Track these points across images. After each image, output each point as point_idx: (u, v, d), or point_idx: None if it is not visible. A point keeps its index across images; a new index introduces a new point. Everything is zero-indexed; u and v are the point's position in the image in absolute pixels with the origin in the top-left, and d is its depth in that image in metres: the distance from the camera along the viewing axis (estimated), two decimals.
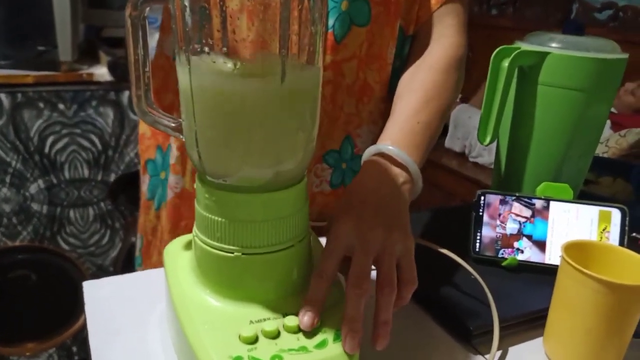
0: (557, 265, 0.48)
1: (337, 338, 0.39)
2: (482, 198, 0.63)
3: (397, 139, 0.55)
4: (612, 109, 2.01)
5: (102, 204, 1.63)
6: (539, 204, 0.62)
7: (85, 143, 1.55)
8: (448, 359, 0.49)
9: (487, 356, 0.48)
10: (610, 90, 0.66)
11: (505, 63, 0.64)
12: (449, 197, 2.19)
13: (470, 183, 2.08)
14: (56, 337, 1.64)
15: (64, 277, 1.62)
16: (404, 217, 0.48)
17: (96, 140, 1.56)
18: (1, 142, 1.45)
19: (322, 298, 0.40)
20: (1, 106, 1.43)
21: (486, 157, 2.19)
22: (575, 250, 0.48)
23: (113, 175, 1.61)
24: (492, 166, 0.77)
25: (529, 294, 0.56)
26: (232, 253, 0.40)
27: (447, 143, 2.35)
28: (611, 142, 1.67)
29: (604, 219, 0.60)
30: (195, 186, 0.42)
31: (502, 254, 0.61)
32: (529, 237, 0.61)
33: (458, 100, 2.40)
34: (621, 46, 0.65)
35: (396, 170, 0.52)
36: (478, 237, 0.62)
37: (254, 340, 0.38)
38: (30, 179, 1.52)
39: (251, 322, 0.40)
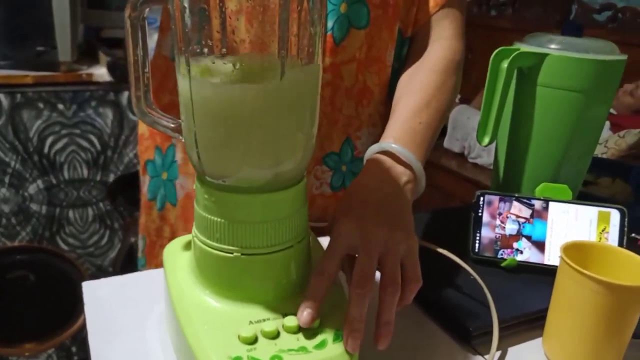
0: (556, 266, 0.48)
1: (336, 338, 0.39)
2: (482, 199, 0.63)
3: (400, 138, 0.55)
4: (611, 110, 2.01)
5: (101, 205, 1.63)
6: (538, 204, 0.62)
7: (85, 143, 1.55)
8: None
9: (486, 357, 0.48)
10: (609, 92, 0.66)
11: (505, 64, 0.64)
12: (448, 198, 2.19)
13: (470, 184, 2.08)
14: (55, 338, 1.64)
15: (63, 277, 1.62)
16: (406, 216, 0.48)
17: (95, 140, 1.56)
18: (0, 143, 1.45)
19: (321, 296, 0.40)
20: (0, 106, 1.43)
21: (485, 157, 2.19)
22: (575, 251, 0.48)
23: (112, 176, 1.61)
24: (492, 167, 0.77)
25: (528, 294, 0.56)
26: (232, 253, 0.40)
27: (446, 144, 2.35)
28: (610, 143, 1.67)
29: (603, 219, 0.61)
30: (194, 187, 0.42)
31: (502, 254, 0.61)
32: (528, 238, 0.61)
33: (457, 101, 2.40)
34: (620, 47, 0.65)
35: (399, 168, 0.52)
36: (477, 238, 0.62)
37: (253, 341, 0.38)
38: (29, 179, 1.51)
39: (250, 322, 0.40)
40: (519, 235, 0.61)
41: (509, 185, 0.71)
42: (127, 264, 1.68)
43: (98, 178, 1.60)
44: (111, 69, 1.52)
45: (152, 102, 0.44)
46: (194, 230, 0.43)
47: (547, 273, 0.57)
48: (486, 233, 0.62)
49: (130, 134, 1.59)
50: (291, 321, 0.39)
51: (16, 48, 1.47)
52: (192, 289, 0.43)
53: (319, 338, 0.39)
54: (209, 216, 0.40)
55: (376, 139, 0.72)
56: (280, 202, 0.41)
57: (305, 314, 0.39)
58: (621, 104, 2.02)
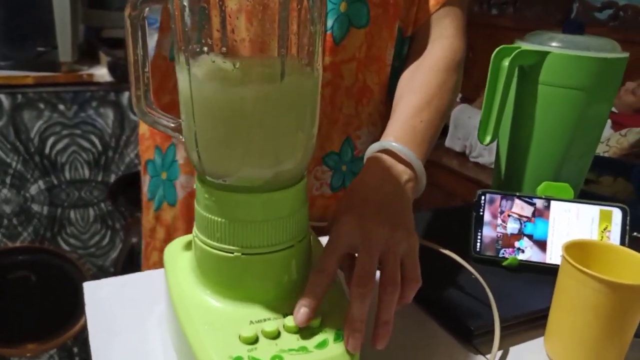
0: (558, 265, 0.48)
1: (337, 338, 0.39)
2: (483, 198, 0.63)
3: (401, 136, 0.55)
4: (613, 109, 2.01)
5: (102, 205, 1.63)
6: (539, 203, 0.62)
7: (86, 144, 1.55)
8: (449, 359, 0.48)
9: (488, 356, 0.48)
10: (610, 90, 0.66)
11: (506, 62, 0.64)
12: (449, 197, 2.19)
13: (471, 183, 2.08)
14: (57, 338, 1.64)
15: (64, 278, 1.62)
16: (407, 215, 0.48)
17: (96, 141, 1.56)
18: (1, 143, 1.45)
19: (319, 294, 0.40)
20: (1, 107, 1.43)
21: (487, 157, 2.19)
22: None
23: (113, 176, 1.61)
24: (493, 166, 0.77)
25: (529, 293, 0.56)
26: (232, 253, 0.40)
27: (448, 143, 2.35)
28: (612, 142, 1.66)
29: (605, 218, 0.60)
30: (194, 186, 0.42)
31: (503, 253, 0.61)
32: (530, 237, 0.61)
33: (458, 100, 2.40)
34: (621, 45, 0.65)
35: (400, 167, 0.52)
36: (479, 237, 0.62)
37: (254, 341, 0.38)
38: (30, 180, 1.52)
39: (251, 322, 0.39)
40: (520, 234, 0.61)
41: (511, 184, 0.71)
42: (129, 264, 1.68)
43: (99, 178, 1.60)
44: (112, 69, 1.52)
45: (153, 101, 0.44)
46: (195, 230, 0.43)
47: (549, 272, 0.57)
48: (487, 232, 0.62)
49: (131, 134, 1.59)
50: (292, 321, 0.39)
51: (17, 48, 1.47)
52: (193, 289, 0.43)
53: (319, 338, 0.39)
54: (210, 216, 0.40)
55: (376, 139, 0.72)
56: (281, 202, 0.41)
57: (301, 312, 0.39)
58: (623, 102, 2.01)
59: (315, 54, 0.39)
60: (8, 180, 1.49)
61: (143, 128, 0.82)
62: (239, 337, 0.38)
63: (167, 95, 0.74)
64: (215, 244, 0.41)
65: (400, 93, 0.64)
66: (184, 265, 0.45)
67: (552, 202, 0.61)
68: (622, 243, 0.59)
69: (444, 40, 0.66)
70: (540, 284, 0.57)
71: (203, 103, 0.38)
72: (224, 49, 0.36)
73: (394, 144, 0.53)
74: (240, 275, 0.41)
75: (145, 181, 0.82)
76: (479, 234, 0.62)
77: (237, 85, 0.37)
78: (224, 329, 0.39)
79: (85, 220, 1.62)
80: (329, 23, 0.63)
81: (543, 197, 0.62)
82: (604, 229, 0.60)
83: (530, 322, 0.53)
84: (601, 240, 0.60)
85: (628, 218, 0.60)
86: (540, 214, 0.61)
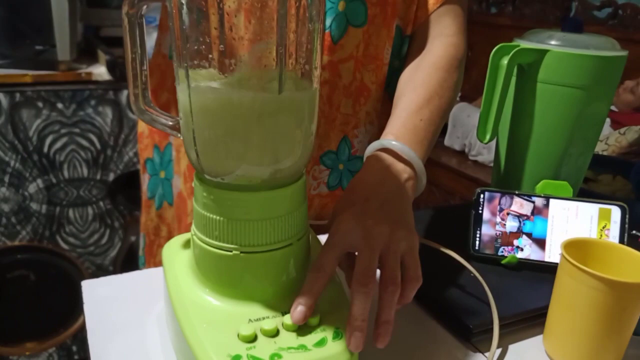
0: (557, 263, 0.48)
1: (336, 336, 0.39)
2: (482, 196, 0.63)
3: (401, 135, 0.55)
4: (612, 107, 2.01)
5: (101, 203, 1.63)
6: (538, 201, 0.62)
7: (84, 142, 1.55)
8: (448, 357, 0.48)
9: (487, 354, 0.48)
10: (609, 88, 0.66)
11: (505, 61, 0.64)
12: (448, 196, 2.19)
13: (470, 181, 2.08)
14: (56, 337, 1.64)
15: (63, 276, 1.62)
16: (408, 213, 0.48)
17: (95, 139, 1.56)
18: (0, 142, 1.45)
19: (316, 292, 0.40)
20: (0, 106, 1.42)
21: (486, 155, 2.19)
22: (575, 247, 0.48)
23: (112, 175, 1.61)
24: (492, 164, 0.77)
25: (528, 291, 0.56)
26: (231, 251, 0.40)
27: (447, 141, 2.35)
28: (611, 140, 1.66)
29: (604, 216, 0.60)
30: (193, 185, 0.42)
31: (502, 251, 0.61)
32: (529, 235, 0.61)
33: (457, 99, 2.40)
34: (620, 44, 0.65)
35: (400, 166, 0.52)
36: (477, 235, 0.62)
37: (253, 339, 0.38)
38: (29, 179, 1.51)
39: (250, 320, 0.39)
40: (519, 233, 0.61)
41: (510, 182, 0.71)
42: (128, 263, 1.68)
43: (98, 177, 1.60)
44: (110, 67, 1.52)
45: (151, 99, 0.44)
46: (193, 228, 0.43)
47: (548, 270, 0.57)
48: (486, 230, 0.62)
49: (130, 133, 1.59)
50: (291, 319, 0.39)
51: (15, 47, 1.47)
52: (192, 288, 0.43)
53: (318, 336, 0.39)
54: (208, 214, 0.40)
55: (373, 137, 0.72)
56: (280, 200, 0.41)
57: (298, 310, 0.39)
58: (622, 101, 2.01)
59: (314, 52, 0.39)
60: (6, 179, 1.48)
61: (142, 126, 0.82)
62: (238, 335, 0.38)
63: (166, 93, 0.74)
64: (213, 242, 0.41)
65: (401, 91, 0.64)
66: (183, 263, 0.45)
67: (551, 200, 0.61)
68: (621, 241, 0.59)
69: (444, 38, 0.66)
70: (539, 282, 0.57)
71: (201, 103, 0.38)
72: (222, 46, 0.36)
73: (394, 142, 0.53)
74: (239, 274, 0.41)
75: (145, 180, 0.82)
76: (478, 232, 0.62)
77: (235, 85, 0.37)
78: (222, 327, 0.39)
79: (84, 218, 1.62)
80: (327, 22, 0.63)
81: (542, 195, 0.62)
82: (603, 227, 0.60)
83: (529, 320, 0.53)
84: (600, 238, 0.60)
85: (627, 216, 0.60)
86: (539, 212, 0.61)
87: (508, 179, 0.71)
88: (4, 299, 1.57)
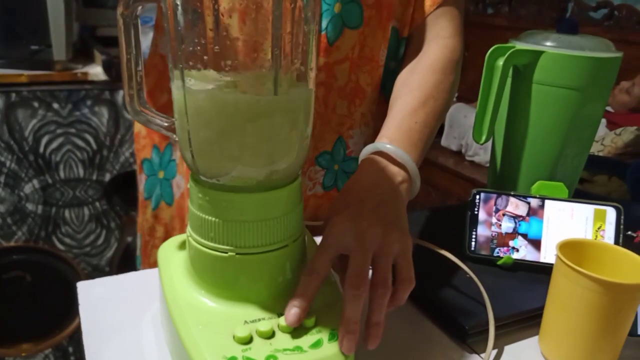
0: (552, 264, 0.48)
1: (332, 338, 0.39)
2: (478, 197, 0.63)
3: (395, 138, 0.55)
4: (608, 108, 2.01)
5: (97, 204, 1.62)
6: (534, 202, 0.62)
7: (80, 143, 1.54)
8: (443, 358, 0.48)
9: (482, 355, 0.48)
10: (604, 89, 0.66)
11: (500, 62, 0.64)
12: (445, 196, 2.19)
13: (467, 182, 2.08)
14: (52, 338, 1.63)
15: (59, 277, 1.61)
16: (402, 216, 0.48)
17: (91, 139, 1.55)
18: None
19: (310, 294, 0.40)
20: None
21: (482, 155, 2.19)
22: (570, 248, 0.48)
23: (108, 175, 1.61)
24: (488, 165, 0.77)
25: (524, 292, 0.56)
26: (226, 253, 0.40)
27: (444, 142, 2.35)
28: (607, 141, 1.67)
29: (599, 217, 0.61)
30: (188, 186, 0.42)
31: (498, 252, 0.61)
32: (524, 236, 0.61)
33: (454, 99, 2.40)
34: (616, 45, 0.65)
35: (394, 168, 0.52)
36: (473, 236, 0.62)
37: (248, 341, 0.38)
38: (24, 179, 1.51)
39: (245, 322, 0.39)
40: (515, 233, 0.61)
41: (505, 183, 0.71)
42: (124, 263, 1.67)
43: (94, 177, 1.59)
44: (106, 67, 1.52)
45: (146, 100, 0.44)
46: (188, 229, 0.43)
47: (543, 271, 0.57)
48: (482, 231, 0.62)
49: (126, 133, 1.59)
50: None
51: (10, 47, 1.46)
52: (187, 289, 0.43)
53: (314, 337, 0.39)
54: (203, 215, 0.40)
55: (368, 138, 0.72)
56: (275, 201, 0.41)
57: (292, 313, 0.39)
58: (618, 101, 2.02)
59: (309, 54, 0.39)
60: (2, 179, 1.48)
61: (138, 127, 0.82)
62: (233, 337, 0.38)
63: (165, 94, 0.74)
64: (209, 243, 0.41)
65: (397, 94, 0.64)
66: (178, 265, 0.45)
67: (547, 201, 0.61)
68: (616, 242, 0.60)
69: (440, 40, 0.66)
70: (535, 283, 0.57)
71: (196, 105, 0.37)
72: (216, 48, 0.36)
73: (388, 145, 0.53)
74: (234, 275, 0.41)
75: (141, 180, 0.82)
76: (474, 233, 0.62)
77: (231, 87, 0.37)
78: (218, 329, 0.39)
79: (80, 219, 1.61)
80: (323, 24, 0.63)
81: (537, 196, 0.62)
82: (598, 228, 0.60)
83: (524, 321, 0.53)
84: (595, 239, 0.60)
85: (622, 217, 0.60)
86: (535, 213, 0.61)
87: (504, 180, 0.72)
88: None
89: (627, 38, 2.09)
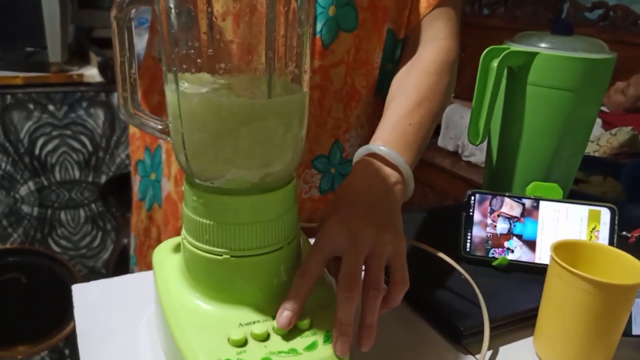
0: (547, 265, 0.48)
1: (327, 340, 0.39)
2: (473, 198, 0.63)
3: (389, 140, 0.55)
4: (603, 108, 2.02)
5: (93, 206, 1.62)
6: (528, 203, 0.62)
7: (76, 144, 1.54)
8: (438, 359, 0.49)
9: (477, 356, 0.49)
10: (599, 90, 0.66)
11: (495, 63, 0.64)
12: (442, 197, 2.19)
13: (463, 182, 2.08)
14: (48, 340, 1.63)
15: (55, 279, 1.61)
16: (395, 217, 0.48)
17: (87, 141, 1.55)
18: None
19: (303, 296, 0.40)
20: None
21: (479, 156, 2.19)
22: (565, 249, 0.48)
23: (104, 177, 1.60)
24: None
25: (519, 293, 0.56)
26: (221, 255, 0.40)
27: (440, 142, 2.35)
28: (602, 141, 1.67)
29: (594, 218, 0.61)
30: (183, 189, 0.42)
31: (493, 253, 0.61)
32: (519, 237, 0.61)
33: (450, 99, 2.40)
34: (612, 45, 0.65)
35: (387, 170, 0.52)
36: (468, 237, 0.62)
37: (243, 343, 0.38)
38: (20, 181, 1.50)
39: (240, 324, 0.39)
40: (510, 234, 0.61)
41: (501, 184, 0.71)
42: (120, 265, 1.67)
43: (90, 179, 1.59)
44: (102, 69, 1.51)
45: (140, 103, 0.44)
46: (183, 232, 0.43)
47: (538, 272, 0.57)
48: (477, 232, 0.62)
49: (122, 135, 1.58)
50: None
51: (6, 49, 1.46)
52: (182, 292, 0.43)
53: (309, 340, 0.39)
54: (198, 218, 0.40)
55: (363, 141, 0.72)
56: (270, 204, 0.41)
57: (284, 315, 0.39)
58: (613, 102, 2.03)
59: (304, 56, 0.39)
60: None
61: (133, 128, 0.82)
62: (228, 339, 0.38)
63: (157, 96, 0.74)
64: (203, 246, 0.41)
65: (392, 95, 0.64)
66: (173, 267, 0.45)
67: (541, 202, 0.62)
68: (611, 243, 0.60)
69: (436, 42, 0.66)
70: (530, 283, 0.57)
71: (190, 108, 0.37)
72: (210, 51, 0.36)
73: (382, 147, 0.53)
74: (229, 278, 0.41)
75: (136, 181, 0.82)
76: (469, 234, 0.62)
77: (225, 90, 0.37)
78: (213, 331, 0.39)
79: (75, 221, 1.61)
80: (318, 27, 0.63)
81: (532, 197, 0.62)
82: (593, 229, 0.61)
83: (519, 321, 0.53)
84: (590, 240, 0.60)
85: (616, 218, 0.60)
86: (530, 213, 0.62)
87: (499, 181, 0.72)
88: None
89: (622, 38, 2.09)
